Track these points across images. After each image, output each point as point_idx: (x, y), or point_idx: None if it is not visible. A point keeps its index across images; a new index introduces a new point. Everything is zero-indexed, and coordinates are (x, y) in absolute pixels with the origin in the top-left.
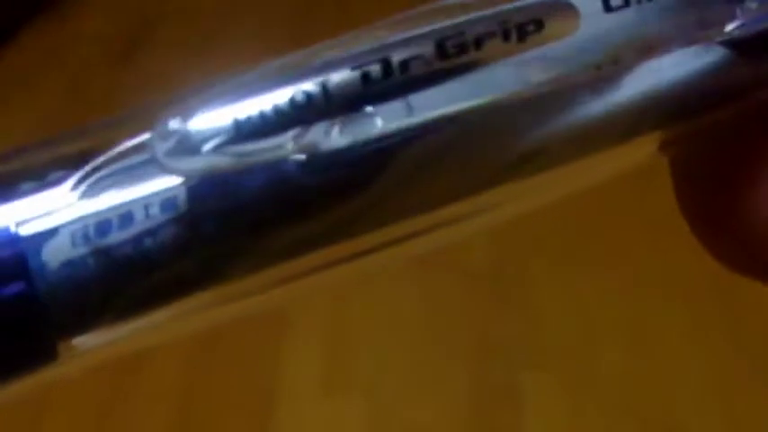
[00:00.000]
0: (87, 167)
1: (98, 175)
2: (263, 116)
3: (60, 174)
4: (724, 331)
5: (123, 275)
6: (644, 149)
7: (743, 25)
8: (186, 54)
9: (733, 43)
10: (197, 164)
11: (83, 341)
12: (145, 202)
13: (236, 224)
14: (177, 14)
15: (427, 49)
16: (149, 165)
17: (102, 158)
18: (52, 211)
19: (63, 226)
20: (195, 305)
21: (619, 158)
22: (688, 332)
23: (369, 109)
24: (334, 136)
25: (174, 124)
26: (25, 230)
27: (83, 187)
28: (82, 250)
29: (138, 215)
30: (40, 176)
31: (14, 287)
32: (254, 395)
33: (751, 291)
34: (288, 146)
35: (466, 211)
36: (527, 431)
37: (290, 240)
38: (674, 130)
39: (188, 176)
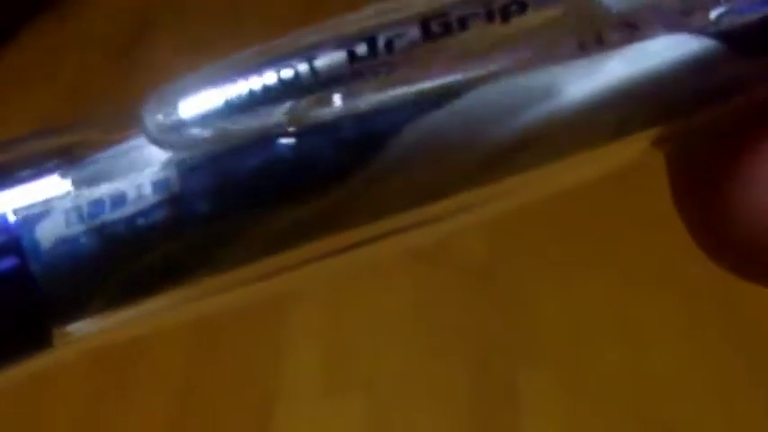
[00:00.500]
0: (81, 153)
1: (91, 159)
2: (252, 93)
3: (54, 161)
4: (721, 330)
5: (117, 255)
6: (636, 145)
7: (728, 12)
8: (186, 54)
9: (724, 36)
10: (188, 136)
11: (78, 326)
12: (137, 183)
13: (229, 206)
14: (177, 14)
15: (412, 28)
16: (142, 149)
17: (95, 145)
18: (46, 195)
19: (56, 207)
20: (188, 292)
21: (610, 153)
22: (685, 331)
23: (355, 86)
24: (322, 111)
25: (165, 101)
26: (18, 212)
27: (76, 172)
28: (75, 229)
29: (131, 195)
30: (33, 164)
31: (7, 263)
32: (254, 395)
33: (748, 290)
34: (277, 120)
35: (458, 203)
36: (526, 428)
37: (283, 225)
38: (665, 126)
39: (179, 149)
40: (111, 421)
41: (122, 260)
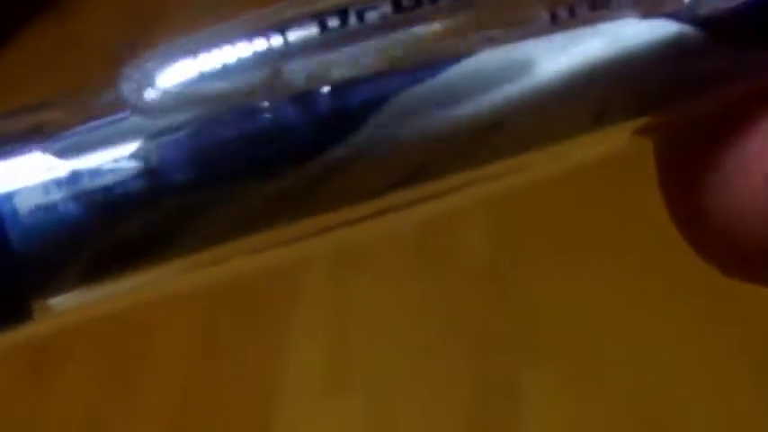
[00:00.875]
0: (60, 126)
1: (70, 132)
2: (226, 65)
3: (33, 134)
4: (721, 329)
5: (95, 225)
6: (619, 133)
7: None
8: None
9: (702, 23)
10: (164, 106)
11: (58, 300)
12: (116, 154)
13: (207, 177)
14: (177, 15)
15: (384, 3)
16: (120, 121)
17: (74, 117)
18: (25, 167)
19: (35, 178)
20: (169, 266)
21: (592, 140)
22: (686, 329)
23: (328, 56)
24: (296, 82)
25: (142, 72)
26: None
27: (54, 144)
28: (54, 197)
29: (109, 166)
30: (12, 138)
31: None
32: (254, 395)
33: (747, 289)
34: (251, 91)
35: (445, 186)
36: (527, 428)
37: (260, 200)
38: (645, 114)
39: (156, 120)
40: (112, 421)
41: (101, 230)
